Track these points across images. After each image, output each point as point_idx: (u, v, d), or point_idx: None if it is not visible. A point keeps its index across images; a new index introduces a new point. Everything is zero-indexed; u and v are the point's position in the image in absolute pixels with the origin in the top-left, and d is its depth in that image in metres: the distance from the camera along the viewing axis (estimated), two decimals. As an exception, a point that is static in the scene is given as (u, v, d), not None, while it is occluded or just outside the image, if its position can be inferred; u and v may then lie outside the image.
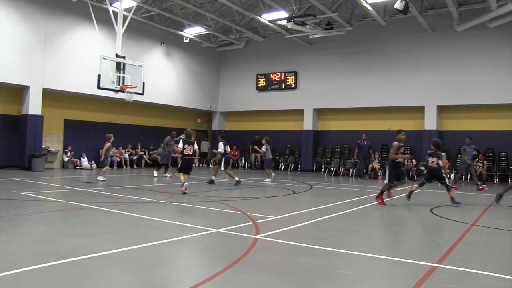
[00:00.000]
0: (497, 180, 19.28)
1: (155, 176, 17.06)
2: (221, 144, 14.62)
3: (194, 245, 6.00)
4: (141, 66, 16.62)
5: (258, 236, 6.31)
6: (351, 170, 21.68)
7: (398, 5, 16.20)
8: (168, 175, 17.40)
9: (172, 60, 24.89)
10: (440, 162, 10.43)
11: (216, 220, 7.79)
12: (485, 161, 18.54)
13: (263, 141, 17.37)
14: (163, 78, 23.99)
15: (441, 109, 21.14)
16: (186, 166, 12.09)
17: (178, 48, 25.00)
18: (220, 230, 6.66)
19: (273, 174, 17.12)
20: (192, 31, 23.74)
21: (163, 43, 24.12)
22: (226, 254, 5.39)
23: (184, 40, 24.48)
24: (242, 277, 4.47)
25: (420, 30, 20.64)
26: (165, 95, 24.07)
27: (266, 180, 16.64)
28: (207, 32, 23.72)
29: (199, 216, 8.29)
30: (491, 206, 10.70)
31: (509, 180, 19.03)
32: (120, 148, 22.46)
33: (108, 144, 14.47)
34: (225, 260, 5.02)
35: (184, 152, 12.01)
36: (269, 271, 4.82)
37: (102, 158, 14.92)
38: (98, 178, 14.31)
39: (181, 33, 23.67)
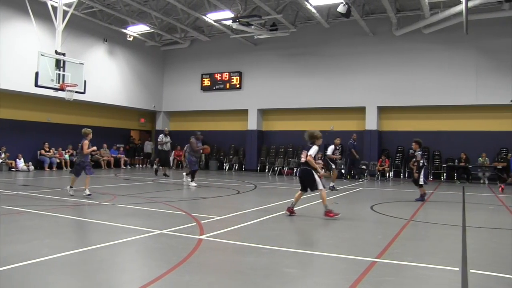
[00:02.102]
0: (431, 177, 20.32)
1: (195, 185, 14.47)
2: (332, 147, 14.30)
3: (137, 247, 5.89)
4: (82, 64, 16.06)
5: (202, 237, 6.29)
6: (294, 170, 22.07)
7: (341, 8, 16.69)
8: (193, 184, 14.61)
9: (115, 58, 24.22)
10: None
11: (160, 221, 7.68)
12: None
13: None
14: (105, 77, 23.28)
15: (381, 110, 21.99)
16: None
17: (122, 46, 24.37)
18: (164, 231, 6.59)
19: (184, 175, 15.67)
20: (136, 29, 23.24)
21: (106, 41, 23.41)
22: (170, 255, 5.34)
23: (128, 38, 23.90)
24: (187, 278, 4.45)
25: (361, 33, 21.36)
26: (107, 94, 23.38)
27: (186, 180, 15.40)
28: (152, 30, 23.31)
29: (143, 217, 8.13)
30: (426, 202, 11.28)
31: (441, 177, 20.16)
32: (60, 149, 21.59)
33: (85, 142, 10.67)
34: (169, 261, 4.97)
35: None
36: (214, 271, 4.83)
37: (81, 159, 10.87)
38: (85, 193, 10.44)
39: (124, 30, 23.09)
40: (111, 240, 5.95)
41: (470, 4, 15.56)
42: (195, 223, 7.34)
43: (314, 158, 8.29)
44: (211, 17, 20.52)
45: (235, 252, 5.77)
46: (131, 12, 21.30)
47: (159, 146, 18.24)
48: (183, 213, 8.51)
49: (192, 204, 10.52)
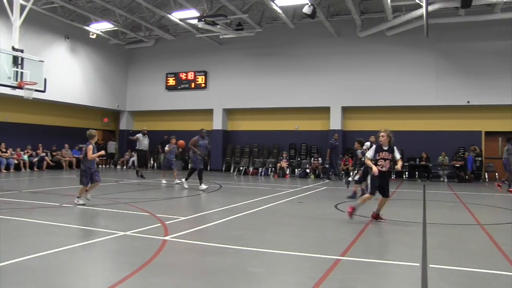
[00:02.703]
0: (394, 176, 20.79)
1: (205, 187, 13.72)
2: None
3: (100, 250, 5.75)
4: (42, 61, 15.56)
5: (167, 238, 6.21)
6: (259, 169, 22.15)
7: (306, 9, 16.87)
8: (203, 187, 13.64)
9: (77, 56, 23.60)
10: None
11: (123, 222, 7.54)
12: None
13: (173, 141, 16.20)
14: (67, 75, 22.64)
15: (345, 110, 22.35)
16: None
17: (84, 44, 23.77)
18: (128, 233, 6.46)
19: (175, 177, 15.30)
20: (99, 27, 22.70)
21: (68, 38, 22.77)
22: (134, 257, 5.24)
23: (91, 36, 23.31)
24: (151, 280, 4.37)
25: (326, 34, 21.65)
26: (69, 93, 22.74)
27: (178, 182, 15.17)
28: (115, 28, 22.85)
29: (105, 219, 7.96)
30: (389, 199, 11.52)
31: (403, 176, 20.66)
32: (18, 150, 20.84)
33: (89, 147, 9.41)
34: (133, 263, 4.87)
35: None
36: (179, 272, 4.77)
37: (86, 165, 9.47)
38: (88, 198, 9.66)
39: (87, 28, 22.53)
40: (72, 243, 5.80)
41: (430, 8, 16.06)
42: (159, 224, 7.23)
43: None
44: (176, 15, 20.31)
45: (200, 252, 5.72)
46: (94, 9, 20.82)
47: (137, 145, 17.92)
48: (147, 214, 8.38)
49: (157, 204, 10.37)
